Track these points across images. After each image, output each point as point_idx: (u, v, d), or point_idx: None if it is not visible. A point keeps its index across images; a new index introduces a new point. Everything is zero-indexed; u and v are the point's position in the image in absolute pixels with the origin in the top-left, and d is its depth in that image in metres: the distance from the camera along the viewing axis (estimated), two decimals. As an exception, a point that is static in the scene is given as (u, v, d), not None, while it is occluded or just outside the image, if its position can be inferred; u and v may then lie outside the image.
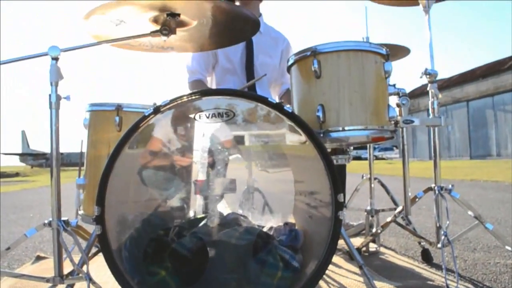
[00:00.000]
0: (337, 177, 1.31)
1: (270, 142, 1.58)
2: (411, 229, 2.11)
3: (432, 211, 1.76)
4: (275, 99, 1.68)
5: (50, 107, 1.38)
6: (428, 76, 1.75)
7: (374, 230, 2.29)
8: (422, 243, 2.19)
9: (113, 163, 1.28)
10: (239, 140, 1.54)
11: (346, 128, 1.52)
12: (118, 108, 1.72)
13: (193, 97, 1.33)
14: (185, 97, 1.32)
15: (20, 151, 44.69)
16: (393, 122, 1.60)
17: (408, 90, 1.83)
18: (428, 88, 1.76)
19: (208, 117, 1.38)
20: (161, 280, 1.37)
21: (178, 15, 1.49)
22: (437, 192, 1.74)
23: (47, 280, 1.40)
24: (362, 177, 2.57)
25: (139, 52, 1.78)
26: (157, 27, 1.52)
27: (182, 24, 1.56)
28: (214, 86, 2.53)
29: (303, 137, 1.34)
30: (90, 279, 1.36)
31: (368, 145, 2.39)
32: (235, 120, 1.41)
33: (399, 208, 1.91)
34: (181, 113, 1.42)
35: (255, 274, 1.37)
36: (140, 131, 1.32)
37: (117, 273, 1.28)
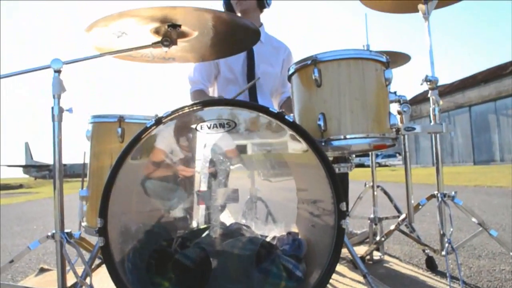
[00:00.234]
0: (339, 186, 1.30)
1: (272, 151, 1.58)
2: (415, 237, 2.10)
3: (436, 217, 1.75)
4: (276, 108, 1.69)
5: (53, 120, 1.40)
6: (428, 82, 1.75)
7: (378, 238, 2.27)
8: (426, 251, 2.17)
9: (115, 174, 1.28)
10: (241, 149, 1.54)
11: (348, 136, 1.51)
12: (120, 119, 1.73)
13: (195, 108, 1.34)
14: (187, 108, 1.33)
15: (23, 163, 44.76)
16: (394, 129, 1.59)
17: (410, 96, 1.82)
18: (429, 95, 1.76)
19: (210, 127, 1.39)
20: (164, 291, 1.36)
21: (179, 26, 1.51)
22: (440, 199, 1.74)
23: (51, 293, 1.40)
24: (365, 185, 2.56)
25: (141, 63, 1.80)
26: (159, 38, 1.54)
27: (183, 35, 1.57)
28: (216, 96, 2.54)
29: (305, 146, 1.34)
30: (93, 291, 1.36)
31: (370, 153, 2.39)
32: (237, 130, 1.42)
33: (403, 216, 1.90)
34: (183, 123, 1.43)
35: (259, 284, 1.37)
36: (143, 142, 1.33)
37: (120, 285, 1.27)
